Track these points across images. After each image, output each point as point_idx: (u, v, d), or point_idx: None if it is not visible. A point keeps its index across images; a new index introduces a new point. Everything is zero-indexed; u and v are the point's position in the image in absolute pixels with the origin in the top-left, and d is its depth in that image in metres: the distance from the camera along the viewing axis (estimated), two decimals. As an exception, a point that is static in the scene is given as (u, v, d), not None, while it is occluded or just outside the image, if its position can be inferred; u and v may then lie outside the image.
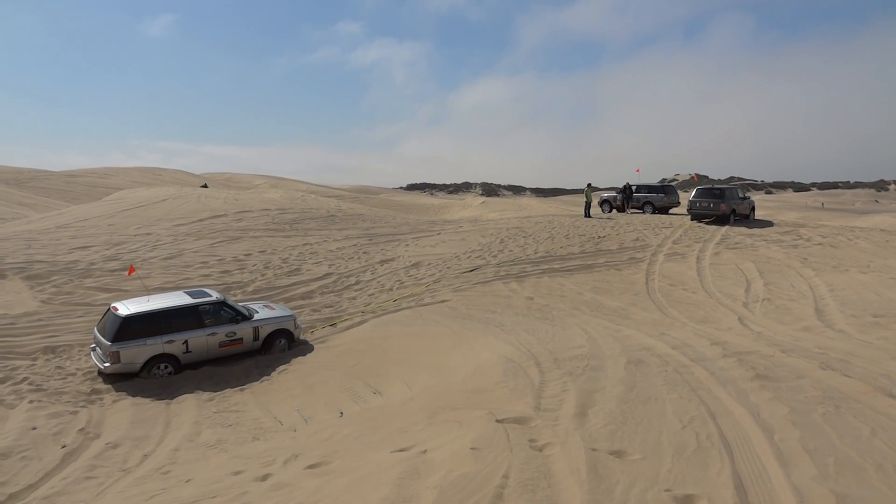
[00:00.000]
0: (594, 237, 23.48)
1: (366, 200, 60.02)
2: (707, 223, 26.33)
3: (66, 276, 17.14)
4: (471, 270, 19.50)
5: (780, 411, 6.93)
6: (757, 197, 72.73)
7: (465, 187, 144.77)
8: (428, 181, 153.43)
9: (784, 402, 7.22)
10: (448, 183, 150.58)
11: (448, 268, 19.97)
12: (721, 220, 26.57)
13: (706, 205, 26.83)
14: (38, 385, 11.09)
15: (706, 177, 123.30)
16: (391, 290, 17.84)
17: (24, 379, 11.28)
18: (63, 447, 8.91)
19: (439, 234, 25.89)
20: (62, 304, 15.31)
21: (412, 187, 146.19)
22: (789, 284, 16.86)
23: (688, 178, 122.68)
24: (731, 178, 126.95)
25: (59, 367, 12.01)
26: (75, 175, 61.05)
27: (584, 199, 30.31)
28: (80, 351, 12.82)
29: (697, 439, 6.30)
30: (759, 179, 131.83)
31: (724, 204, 26.47)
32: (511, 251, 21.86)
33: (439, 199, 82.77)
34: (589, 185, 31.09)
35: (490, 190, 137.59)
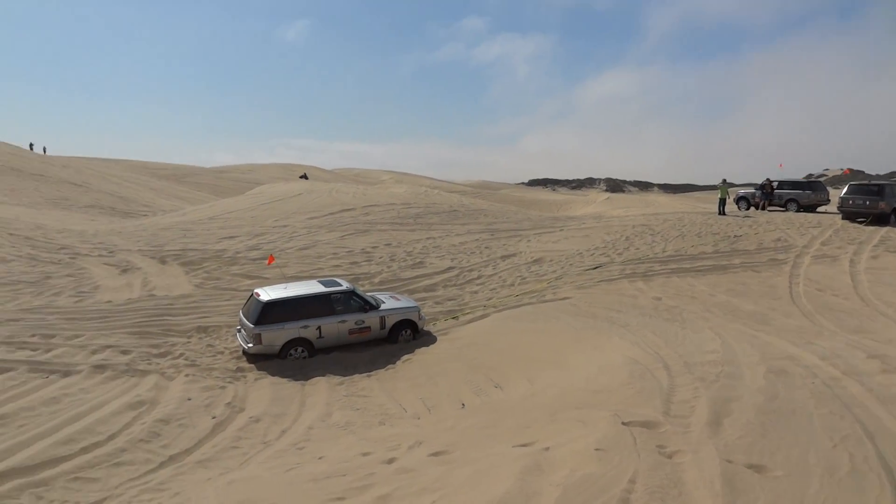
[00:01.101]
0: (729, 236, 22.05)
1: (487, 196, 60.37)
2: (863, 223, 23.83)
3: (216, 263, 18.77)
4: (594, 268, 19.03)
5: (954, 436, 6.16)
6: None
7: (588, 183, 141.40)
8: (550, 176, 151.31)
9: (958, 425, 6.41)
10: (570, 178, 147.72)
11: (570, 265, 19.63)
12: (880, 219, 23.91)
13: (861, 202, 24.25)
14: (192, 361, 12.26)
15: (861, 172, 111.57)
16: (513, 285, 17.84)
17: (181, 354, 12.51)
18: (213, 418, 9.79)
19: (561, 230, 25.49)
20: (212, 288, 16.79)
21: (534, 183, 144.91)
22: (964, 294, 14.87)
23: (839, 173, 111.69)
24: (893, 174, 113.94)
25: (209, 346, 13.19)
26: (223, 171, 66.60)
27: (719, 196, 28.53)
28: (227, 331, 13.99)
29: (851, 460, 5.75)
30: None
31: (882, 202, 23.78)
32: (637, 249, 21.08)
33: (561, 195, 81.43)
34: (724, 180, 29.23)
35: (615, 186, 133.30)
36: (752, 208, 30.41)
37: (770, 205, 30.01)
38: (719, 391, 7.85)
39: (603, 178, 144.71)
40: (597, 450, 6.04)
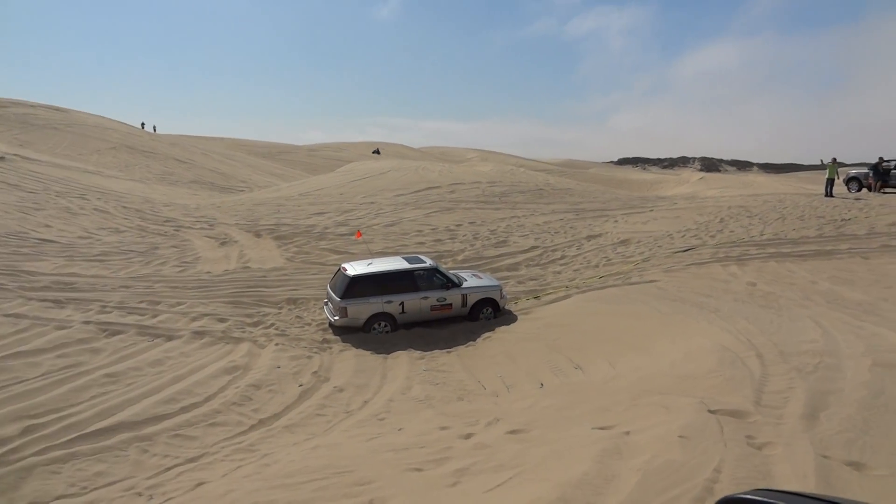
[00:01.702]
0: (836, 220, 20.51)
1: (574, 175, 59.08)
2: None
3: (306, 238, 19.48)
4: (684, 250, 18.25)
5: None
6: None
7: (681, 162, 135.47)
8: (641, 155, 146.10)
9: None
10: (663, 157, 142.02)
11: (659, 246, 18.93)
12: None
13: None
14: (282, 330, 12.84)
15: None
16: (597, 266, 17.44)
17: (272, 325, 13.13)
18: (300, 386, 10.24)
19: (651, 210, 24.60)
20: (302, 262, 17.45)
21: (623, 162, 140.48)
22: None
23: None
24: None
25: (298, 317, 13.75)
26: (315, 150, 68.75)
27: (826, 177, 26.53)
28: (315, 304, 14.53)
29: (967, 464, 5.26)
30: None
31: None
32: (732, 231, 20.02)
33: (652, 174, 78.49)
34: (833, 160, 27.13)
35: (710, 165, 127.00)
36: (865, 190, 28.10)
37: (885, 186, 27.59)
38: (817, 383, 7.36)
39: (698, 157, 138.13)
40: (680, 437, 5.83)
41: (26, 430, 8.00)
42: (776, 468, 5.25)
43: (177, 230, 20.11)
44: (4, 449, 7.60)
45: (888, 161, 27.80)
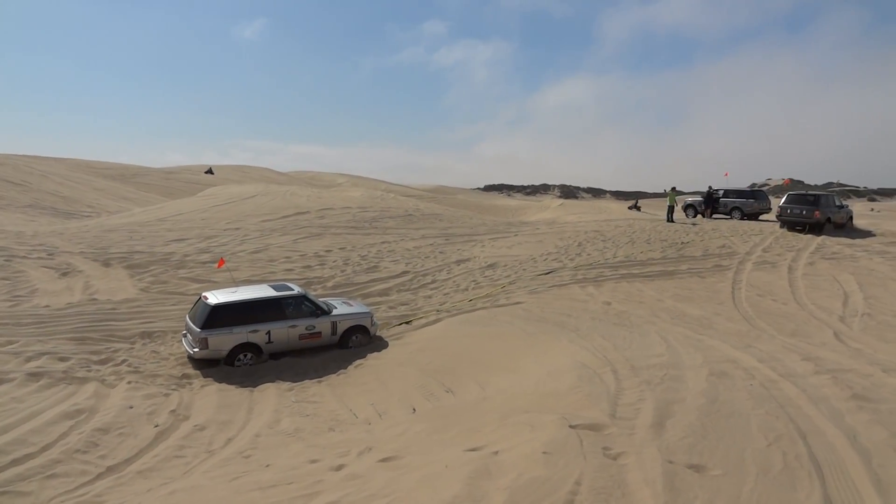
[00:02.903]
0: (677, 243, 22.68)
1: (443, 200, 60.43)
2: (801, 232, 24.85)
3: (163, 266, 18.23)
4: (547, 273, 19.27)
5: (880, 435, 6.46)
6: (858, 205, 67.95)
7: (542, 189, 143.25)
8: (506, 182, 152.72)
9: (885, 425, 6.72)
10: (526, 184, 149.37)
11: (524, 269, 19.83)
12: (815, 228, 24.99)
13: (798, 212, 25.32)
14: (135, 367, 11.86)
15: (801, 182, 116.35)
16: (466, 290, 17.90)
17: (124, 361, 12.08)
18: (156, 426, 9.48)
19: (516, 235, 25.74)
20: (158, 292, 16.29)
21: (489, 188, 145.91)
22: (894, 299, 15.65)
23: (780, 183, 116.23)
24: (829, 184, 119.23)
25: (154, 352, 12.79)
26: (173, 172, 64.79)
27: (668, 204, 29.32)
28: (172, 337, 13.59)
29: (784, 459, 5.97)
30: (861, 186, 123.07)
31: (817, 211, 24.89)
32: (589, 255, 21.46)
33: (516, 201, 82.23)
34: (673, 188, 30.08)
35: (569, 192, 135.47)
36: (699, 216, 31.37)
37: (715, 212, 31.00)
38: (663, 394, 8.03)
39: (557, 184, 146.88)
40: (544, 453, 6.09)
41: None
42: (629, 476, 5.64)
43: (8, 260, 18.00)
44: None
45: (717, 190, 31.29)
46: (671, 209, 28.95)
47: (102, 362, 11.88)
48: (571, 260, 20.81)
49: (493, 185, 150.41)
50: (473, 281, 18.74)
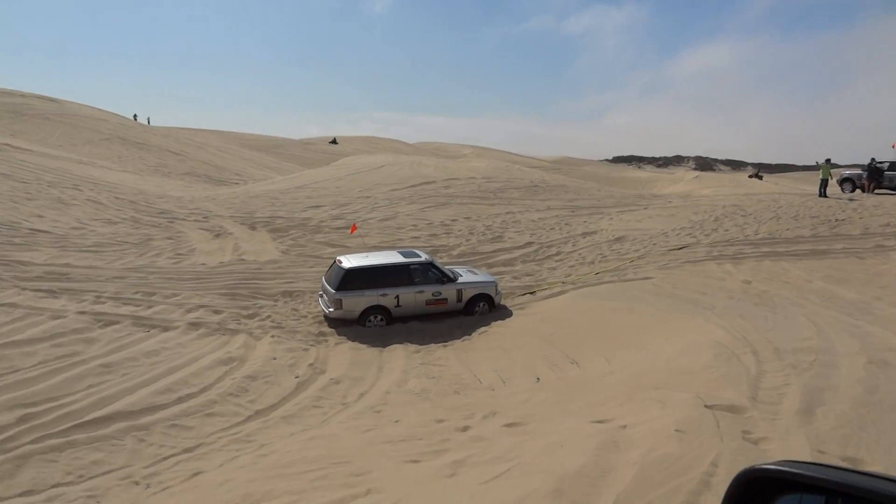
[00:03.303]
0: (830, 220, 20.65)
1: (569, 172, 59.16)
2: None
3: (301, 231, 19.45)
4: (679, 248, 18.34)
5: None
6: None
7: (676, 161, 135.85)
8: (636, 153, 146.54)
9: None
10: (657, 156, 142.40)
11: (654, 244, 19.02)
12: None
13: None
14: (278, 323, 12.84)
15: None
16: (592, 263, 17.50)
17: (268, 317, 13.12)
18: (296, 378, 10.25)
19: (646, 208, 24.70)
20: (297, 254, 17.43)
21: (618, 160, 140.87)
22: None
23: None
24: None
25: (294, 310, 13.75)
26: (310, 143, 68.46)
27: (820, 177, 26.71)
28: (310, 297, 14.52)
29: (960, 459, 5.33)
30: None
31: None
32: (727, 230, 20.12)
33: (647, 173, 78.70)
34: (827, 161, 27.33)
35: (705, 164, 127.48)
36: (858, 191, 28.30)
37: (879, 187, 27.81)
38: (812, 379, 7.43)
39: (692, 156, 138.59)
40: (677, 431, 5.87)
41: (22, 419, 7.99)
42: (772, 462, 5.30)
43: (171, 222, 20.03)
44: (1, 437, 7.58)
45: (881, 162, 28.00)
46: (824, 183, 26.33)
47: (250, 317, 12.96)
48: (707, 235, 19.64)
49: (622, 156, 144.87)
50: (600, 254, 18.27)
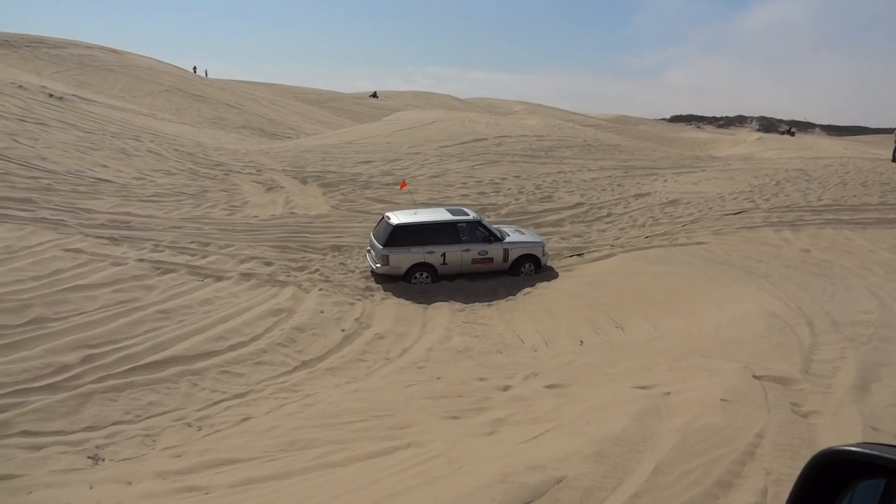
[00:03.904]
0: (903, 187, 19.49)
1: (624, 131, 57.47)
2: None
3: (351, 186, 19.59)
4: (736, 213, 17.69)
5: None
6: None
7: (737, 121, 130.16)
8: (695, 113, 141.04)
9: None
10: (718, 116, 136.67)
11: (709, 208, 18.39)
12: None
13: None
14: (326, 276, 13.07)
15: None
16: (643, 226, 17.09)
17: (316, 270, 13.36)
18: (343, 331, 10.46)
19: (703, 170, 23.82)
20: (347, 209, 17.60)
21: (676, 119, 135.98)
22: None
23: None
24: None
25: (342, 264, 13.96)
26: (361, 98, 68.37)
27: (894, 141, 25.13)
28: (358, 252, 14.69)
29: None
30: None
31: None
32: (788, 196, 19.26)
33: (707, 133, 75.81)
34: (904, 123, 25.61)
35: (768, 125, 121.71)
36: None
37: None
38: (870, 354, 7.12)
39: (755, 116, 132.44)
40: (722, 400, 5.75)
41: (86, 360, 8.43)
42: (821, 437, 5.14)
43: (226, 174, 20.47)
44: (66, 375, 8.04)
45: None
46: (899, 147, 24.78)
47: (299, 269, 13.23)
48: (766, 200, 18.86)
49: (681, 115, 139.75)
50: (652, 217, 17.81)
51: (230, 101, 43.86)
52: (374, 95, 71.85)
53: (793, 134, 37.10)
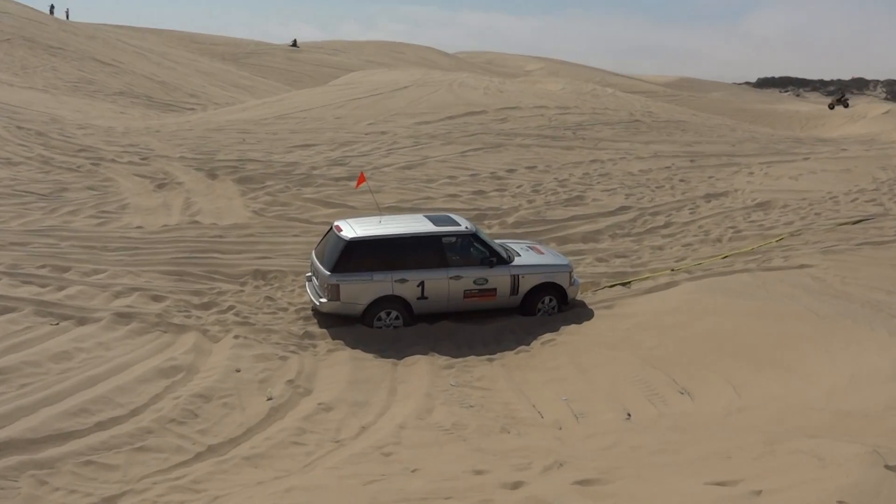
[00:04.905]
0: None
1: (689, 101, 58.23)
2: None
3: (283, 183, 19.58)
4: (855, 222, 17.91)
5: None
6: None
7: (855, 86, 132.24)
8: (792, 74, 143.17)
9: None
10: (827, 79, 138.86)
11: (816, 214, 18.63)
12: None
13: None
14: (245, 317, 12.98)
15: None
16: (719, 240, 17.22)
17: (231, 308, 13.27)
18: (269, 399, 10.35)
19: (806, 159, 24.16)
20: (276, 216, 17.57)
21: (765, 83, 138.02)
22: None
23: None
24: None
25: (268, 298, 13.88)
26: (300, 51, 68.76)
27: None
28: (293, 281, 14.64)
29: None
30: None
31: None
32: (932, 196, 19.55)
33: (809, 104, 76.90)
34: None
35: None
36: None
37: None
38: None
39: (881, 79, 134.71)
40: (839, 502, 5.75)
41: None
42: None
43: (95, 164, 20.39)
44: None
45: None
46: None
47: (204, 307, 13.13)
48: (900, 203, 19.13)
49: (772, 78, 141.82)
50: (732, 227, 17.96)
51: (102, 55, 43.93)
52: (294, 45, 71.92)
53: (846, 104, 38.24)
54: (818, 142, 29.18)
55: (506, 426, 9.98)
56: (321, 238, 14.22)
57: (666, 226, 18.10)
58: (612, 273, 15.59)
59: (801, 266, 15.35)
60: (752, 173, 22.36)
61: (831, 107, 41.99)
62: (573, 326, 13.28)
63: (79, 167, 20.02)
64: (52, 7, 60.17)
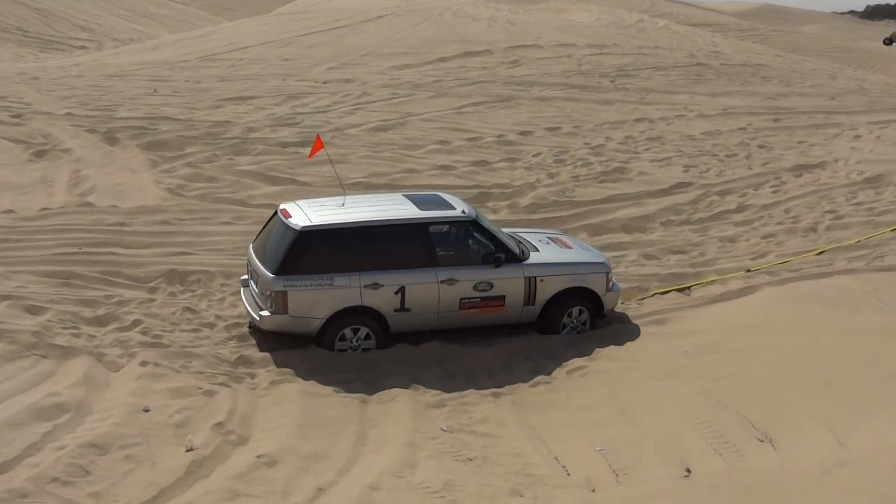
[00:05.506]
0: None
1: (771, 38, 58.31)
2: None
3: (209, 149, 19.52)
4: None
5: None
6: None
7: None
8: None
9: None
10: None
11: (948, 193, 18.68)
12: None
13: None
14: (155, 336, 12.92)
15: None
16: (813, 230, 17.26)
17: (137, 323, 13.22)
18: (189, 450, 10.29)
19: (933, 117, 24.18)
20: (199, 196, 17.50)
21: (875, 12, 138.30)
22: None
23: None
24: None
25: (189, 310, 13.84)
26: (232, -34, 68.66)
27: None
28: (223, 285, 14.60)
29: None
30: None
31: None
32: None
33: (938, 43, 77.14)
34: None
35: None
36: None
37: None
38: None
39: None
40: None
41: None
42: None
43: (-53, 123, 20.31)
44: None
45: None
46: None
47: (99, 322, 13.09)
48: None
49: (886, 6, 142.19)
50: (830, 212, 18.03)
51: (-41, -29, 43.71)
52: None
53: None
54: (950, 93, 29.25)
55: (517, 487, 9.96)
56: (262, 227, 14.18)
57: (740, 209, 18.11)
58: (664, 275, 15.60)
59: (927, 265, 15.41)
60: (858, 137, 22.39)
61: (888, 43, 42.27)
62: (611, 349, 13.28)
63: (-76, 128, 19.97)
64: None
